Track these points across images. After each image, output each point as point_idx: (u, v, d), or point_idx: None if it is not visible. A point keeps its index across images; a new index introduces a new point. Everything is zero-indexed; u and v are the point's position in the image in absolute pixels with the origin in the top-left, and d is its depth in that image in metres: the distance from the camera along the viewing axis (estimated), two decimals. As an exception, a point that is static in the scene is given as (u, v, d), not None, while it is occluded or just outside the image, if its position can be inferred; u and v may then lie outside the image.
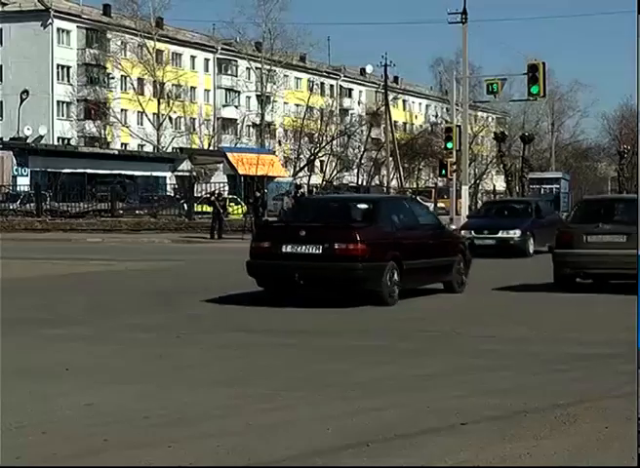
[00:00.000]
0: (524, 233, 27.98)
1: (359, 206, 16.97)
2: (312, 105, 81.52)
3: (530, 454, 6.43)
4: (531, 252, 27.93)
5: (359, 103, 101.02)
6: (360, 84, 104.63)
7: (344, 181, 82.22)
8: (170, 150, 74.39)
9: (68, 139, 76.26)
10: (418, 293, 16.43)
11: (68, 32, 79.14)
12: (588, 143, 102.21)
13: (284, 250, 15.03)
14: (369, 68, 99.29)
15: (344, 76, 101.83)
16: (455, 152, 44.98)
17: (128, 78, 77.66)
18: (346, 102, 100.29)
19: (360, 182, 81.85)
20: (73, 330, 12.61)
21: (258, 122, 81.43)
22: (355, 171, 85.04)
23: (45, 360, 10.25)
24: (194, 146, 77.63)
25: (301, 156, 79.10)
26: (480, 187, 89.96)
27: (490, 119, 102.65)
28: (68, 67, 78.84)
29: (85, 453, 6.52)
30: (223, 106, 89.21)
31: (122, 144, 78.76)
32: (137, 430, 7.13)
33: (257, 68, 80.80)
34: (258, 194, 41.00)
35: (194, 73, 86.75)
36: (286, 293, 15.52)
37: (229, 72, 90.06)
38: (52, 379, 9.08)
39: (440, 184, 76.65)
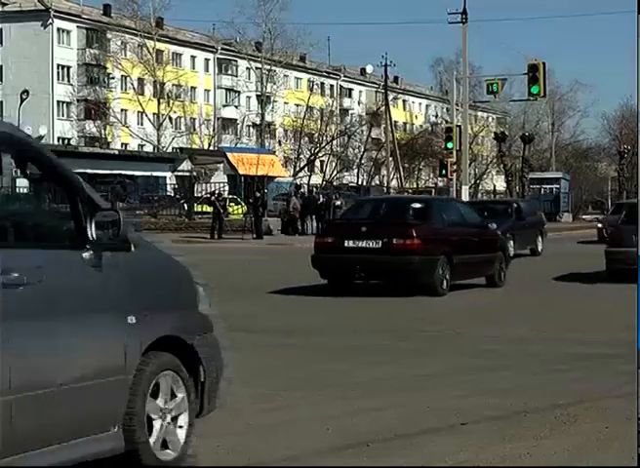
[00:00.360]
0: (503, 235, 26.59)
1: (413, 205, 18.30)
2: (312, 105, 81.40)
3: (530, 454, 6.43)
4: (511, 254, 27.14)
5: (359, 103, 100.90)
6: (360, 84, 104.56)
7: (344, 181, 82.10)
8: (170, 150, 74.29)
9: (68, 139, 76.20)
10: (418, 293, 16.44)
11: (68, 32, 79.12)
12: (588, 143, 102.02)
13: (346, 244, 16.39)
14: (369, 68, 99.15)
15: (344, 76, 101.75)
16: (455, 152, 44.99)
17: (128, 78, 77.57)
18: (346, 102, 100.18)
19: (360, 182, 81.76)
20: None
21: (258, 122, 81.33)
22: (355, 171, 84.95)
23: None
24: (194, 146, 77.48)
25: (301, 156, 78.98)
26: (480, 187, 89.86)
27: (490, 119, 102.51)
28: (68, 67, 78.81)
29: (85, 453, 6.50)
30: (223, 106, 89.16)
31: (122, 144, 78.68)
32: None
33: (257, 68, 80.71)
34: (258, 194, 41.01)
35: (194, 73, 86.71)
36: (346, 285, 16.70)
37: (229, 72, 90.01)
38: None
39: (440, 184, 76.56)
